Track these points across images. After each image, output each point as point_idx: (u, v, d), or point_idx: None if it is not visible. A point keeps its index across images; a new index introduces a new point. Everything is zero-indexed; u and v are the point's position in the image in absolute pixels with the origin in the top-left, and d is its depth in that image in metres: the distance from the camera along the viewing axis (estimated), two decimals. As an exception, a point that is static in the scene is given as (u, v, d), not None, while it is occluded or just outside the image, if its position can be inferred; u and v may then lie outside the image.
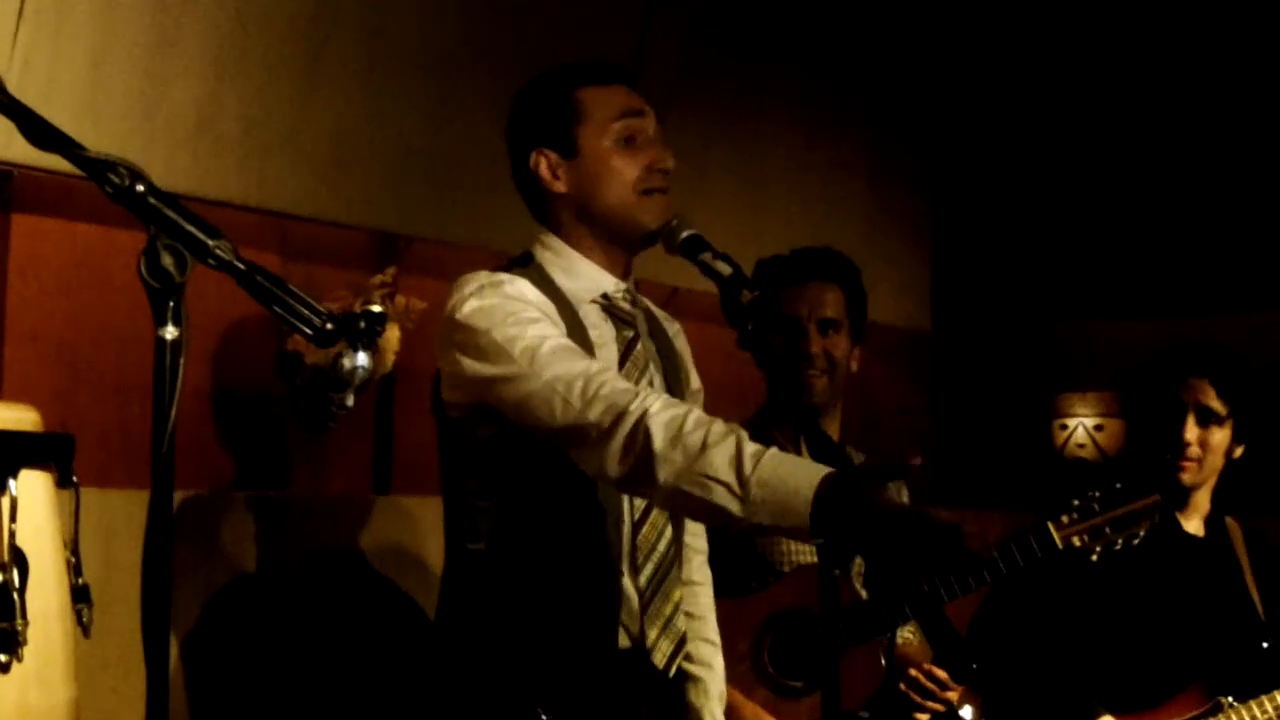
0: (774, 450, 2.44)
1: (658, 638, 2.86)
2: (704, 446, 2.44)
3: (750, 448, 2.43)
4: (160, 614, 1.85)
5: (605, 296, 2.91)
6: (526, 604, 2.79)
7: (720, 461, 2.43)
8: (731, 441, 2.44)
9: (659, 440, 2.46)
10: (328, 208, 4.22)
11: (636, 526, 2.85)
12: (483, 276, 2.79)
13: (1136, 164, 6.48)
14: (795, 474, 2.39)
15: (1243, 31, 6.18)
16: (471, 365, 2.71)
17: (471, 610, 2.86)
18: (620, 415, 2.52)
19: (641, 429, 2.49)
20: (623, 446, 2.51)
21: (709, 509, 2.46)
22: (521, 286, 2.79)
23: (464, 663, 2.84)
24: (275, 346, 4.04)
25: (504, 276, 2.80)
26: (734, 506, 2.42)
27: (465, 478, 2.87)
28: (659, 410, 2.50)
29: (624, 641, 2.84)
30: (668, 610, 2.88)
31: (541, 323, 2.71)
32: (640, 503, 2.85)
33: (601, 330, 2.88)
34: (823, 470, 2.38)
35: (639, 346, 2.93)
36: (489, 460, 2.79)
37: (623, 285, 2.94)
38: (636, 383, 2.84)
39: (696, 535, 3.13)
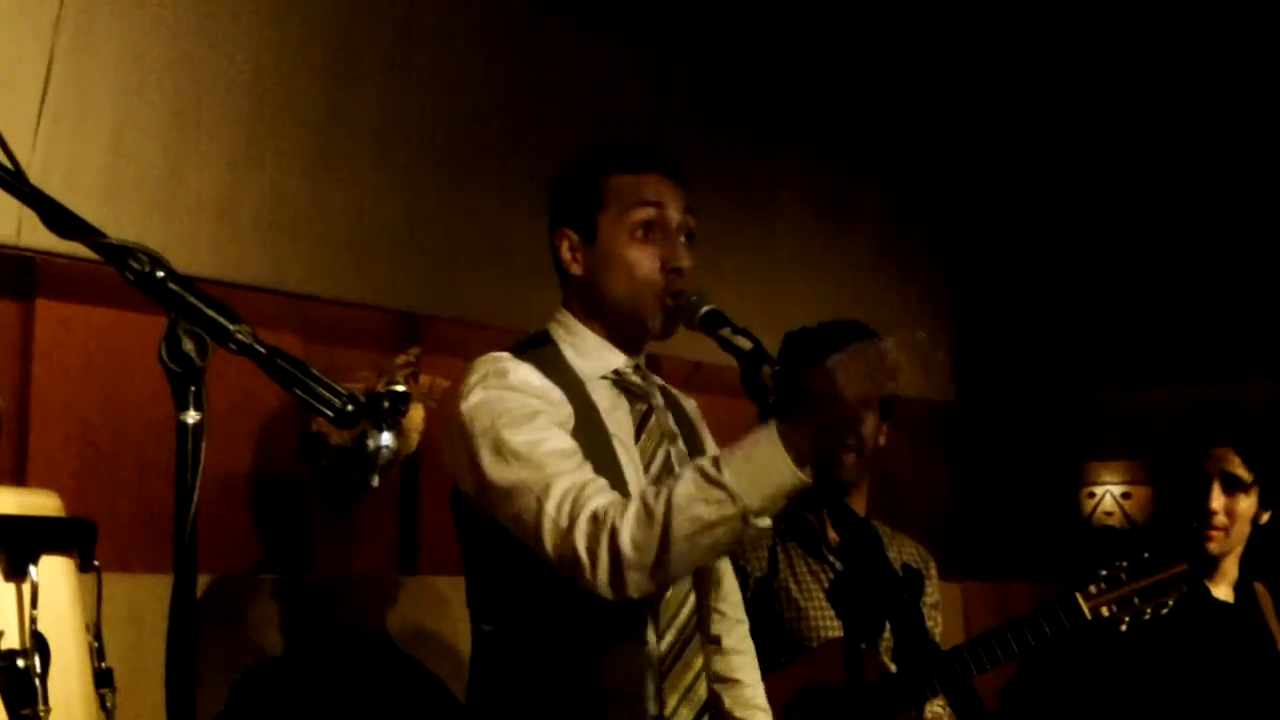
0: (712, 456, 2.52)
1: (678, 705, 2.84)
2: (669, 504, 2.48)
3: (694, 465, 2.52)
4: (185, 699, 1.84)
5: (616, 373, 2.90)
6: (549, 678, 2.77)
7: (685, 493, 2.48)
8: (684, 475, 2.51)
9: (627, 534, 2.50)
10: (347, 289, 4.24)
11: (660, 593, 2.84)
12: (489, 363, 2.79)
13: (1155, 235, 6.50)
14: (744, 446, 2.49)
15: (1262, 98, 6.20)
16: (478, 460, 2.71)
17: (496, 690, 2.84)
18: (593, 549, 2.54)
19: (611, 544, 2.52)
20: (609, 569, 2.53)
21: (717, 534, 2.49)
22: (525, 374, 2.78)
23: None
24: (299, 428, 4.04)
25: (509, 365, 2.79)
26: (729, 509, 2.46)
27: (480, 556, 2.87)
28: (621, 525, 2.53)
29: (646, 712, 2.82)
30: (689, 678, 2.86)
31: (540, 418, 2.71)
32: None
33: (614, 404, 2.88)
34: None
35: (654, 419, 2.92)
36: (501, 538, 2.77)
37: (633, 361, 2.93)
38: (654, 452, 2.87)
39: (735, 606, 3.12)
